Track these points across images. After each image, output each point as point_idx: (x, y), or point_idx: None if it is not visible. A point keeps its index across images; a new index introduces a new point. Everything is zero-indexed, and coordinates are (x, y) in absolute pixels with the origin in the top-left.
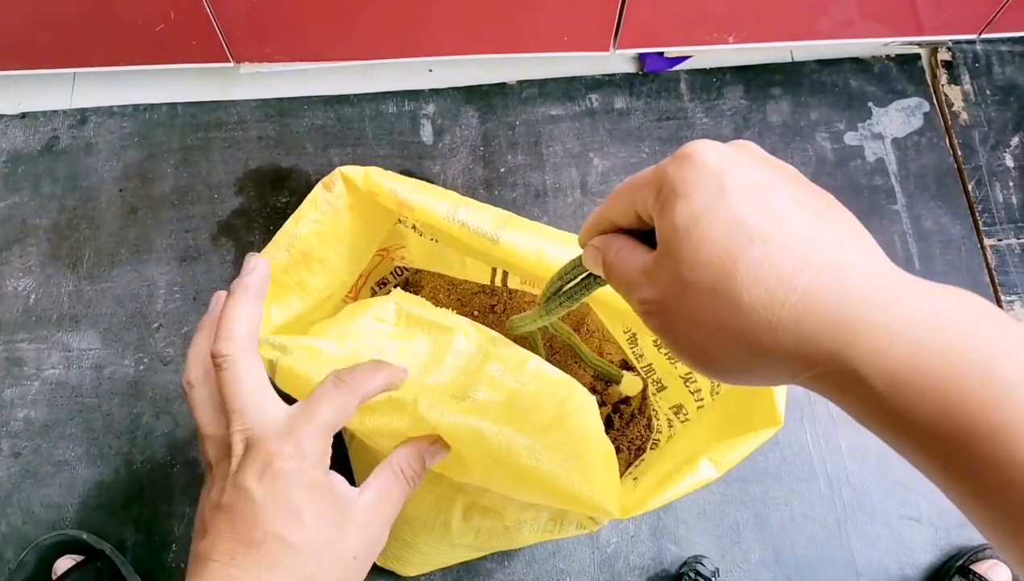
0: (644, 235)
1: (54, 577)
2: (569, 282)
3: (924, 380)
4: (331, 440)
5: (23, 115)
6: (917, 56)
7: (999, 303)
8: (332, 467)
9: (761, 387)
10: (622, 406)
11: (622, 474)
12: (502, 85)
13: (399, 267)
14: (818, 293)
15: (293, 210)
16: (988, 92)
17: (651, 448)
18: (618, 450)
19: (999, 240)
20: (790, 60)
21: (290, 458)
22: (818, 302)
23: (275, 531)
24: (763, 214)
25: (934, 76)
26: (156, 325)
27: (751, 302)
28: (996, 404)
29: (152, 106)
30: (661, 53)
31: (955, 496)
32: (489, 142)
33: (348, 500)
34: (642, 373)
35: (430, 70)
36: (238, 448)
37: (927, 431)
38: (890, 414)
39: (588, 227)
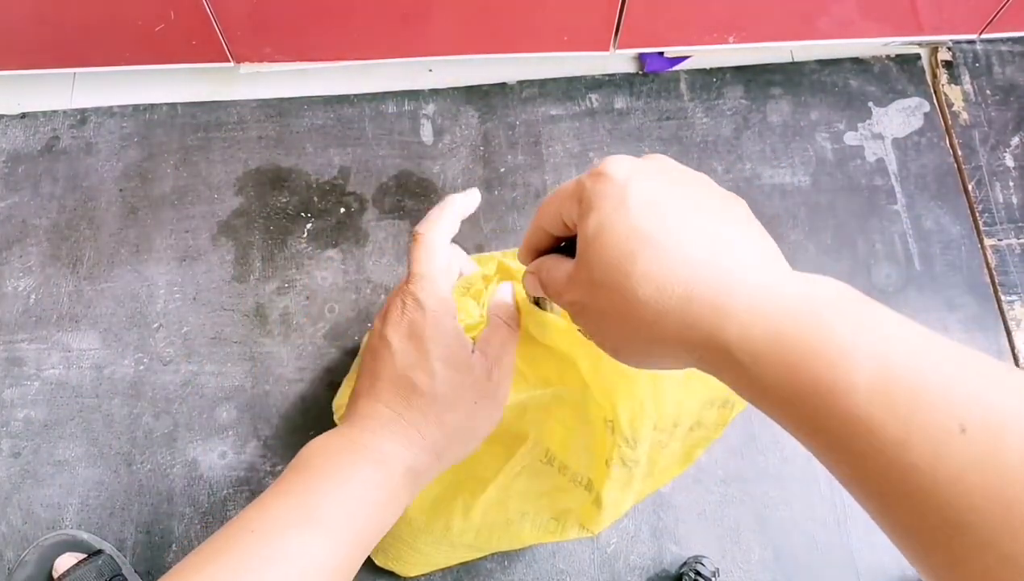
0: (571, 245)
1: (55, 575)
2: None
3: (778, 351)
4: (450, 291)
5: (23, 115)
6: (917, 56)
7: (999, 303)
8: None
9: None
10: None
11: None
12: (502, 85)
13: None
14: (697, 286)
15: (293, 210)
16: (988, 92)
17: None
18: None
19: (999, 240)
20: (790, 60)
21: (414, 310)
22: (698, 293)
23: (410, 378)
24: (656, 222)
25: (934, 76)
26: (156, 325)
27: (644, 298)
28: (833, 365)
29: (152, 106)
30: (661, 53)
31: (814, 452)
32: (489, 142)
33: (470, 349)
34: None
35: (430, 70)
36: (400, 303)
37: (783, 395)
38: (755, 383)
39: (526, 241)
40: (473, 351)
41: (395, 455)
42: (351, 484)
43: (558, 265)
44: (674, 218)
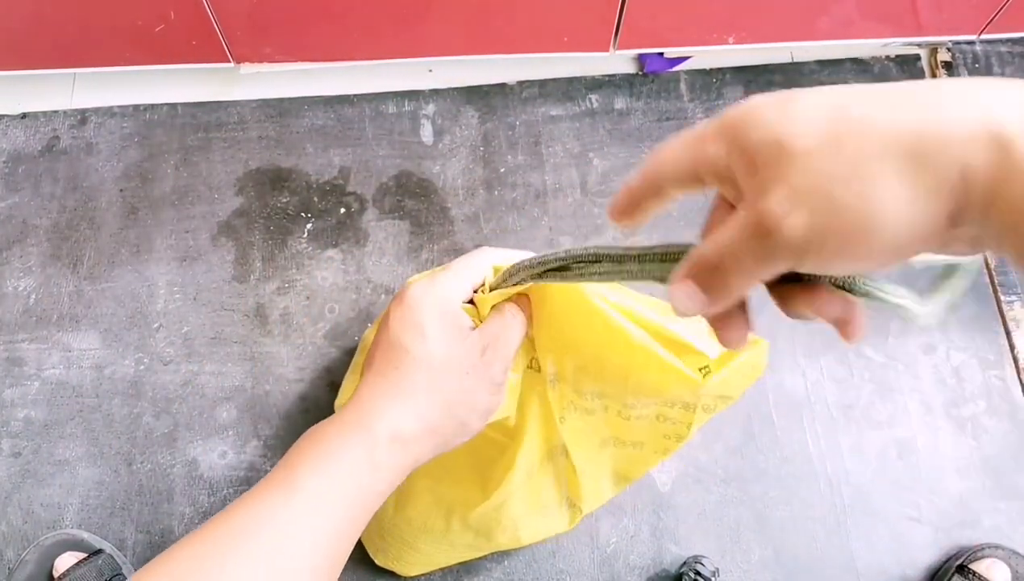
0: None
1: (55, 575)
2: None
3: None
4: (467, 287)
5: (23, 115)
6: (917, 56)
7: (999, 303)
8: None
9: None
10: None
11: None
12: (502, 85)
13: None
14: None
15: (293, 210)
16: None
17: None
18: None
19: None
20: (790, 60)
21: (420, 289)
22: (956, 94)
23: (400, 338)
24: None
25: (934, 76)
26: (156, 325)
27: (904, 117)
28: None
29: (152, 106)
30: (661, 53)
31: None
32: (489, 142)
33: (467, 326)
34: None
35: (430, 70)
36: (409, 286)
37: None
38: None
39: (634, 191)
40: (472, 331)
41: (379, 420)
42: (331, 452)
43: (729, 225)
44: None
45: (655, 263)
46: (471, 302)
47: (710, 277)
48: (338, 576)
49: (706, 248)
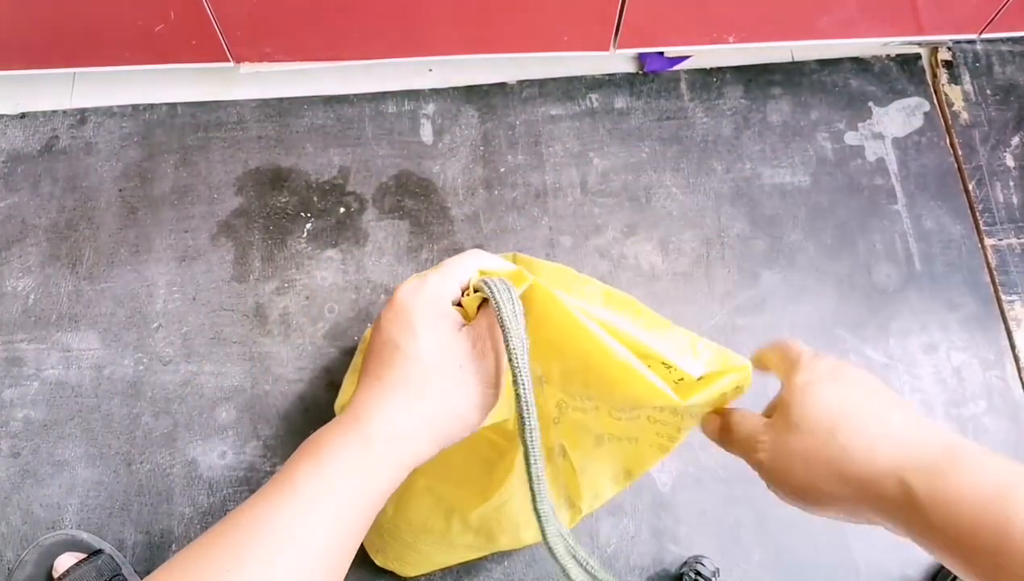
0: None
1: (55, 575)
2: None
3: (948, 500)
4: (455, 287)
5: (23, 115)
6: (917, 56)
7: (999, 303)
8: None
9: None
10: None
11: None
12: (502, 85)
13: None
14: (891, 441)
15: (293, 210)
16: (988, 92)
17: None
18: None
19: (999, 240)
20: (790, 60)
21: (409, 290)
22: (892, 445)
23: (392, 337)
24: (856, 393)
25: (934, 76)
26: (156, 325)
27: (844, 441)
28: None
29: (152, 106)
30: (661, 53)
31: (974, 574)
32: (489, 142)
33: (458, 323)
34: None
35: (430, 70)
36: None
37: (960, 538)
38: (928, 524)
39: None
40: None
41: (374, 419)
42: (328, 454)
43: (752, 416)
44: (871, 394)
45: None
46: (459, 304)
47: (724, 433)
48: (343, 577)
49: (736, 419)
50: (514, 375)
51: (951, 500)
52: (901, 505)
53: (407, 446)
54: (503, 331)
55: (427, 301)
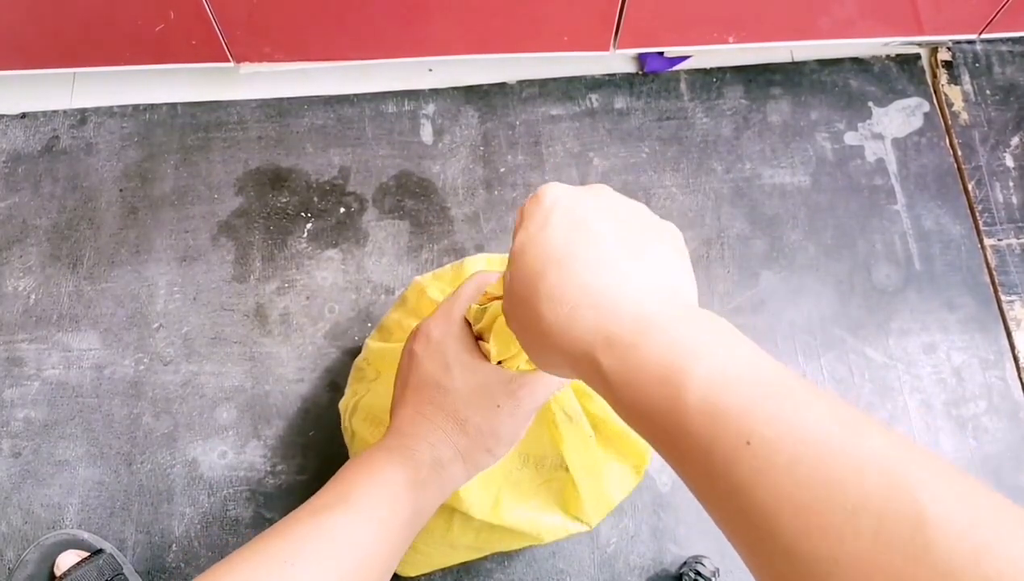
0: None
1: (57, 573)
2: None
3: (633, 372)
4: (464, 318)
5: (23, 115)
6: (917, 56)
7: (999, 303)
8: (331, 470)
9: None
10: None
11: None
12: (502, 85)
13: None
14: (582, 307)
15: (293, 210)
16: (988, 92)
17: None
18: None
19: (999, 240)
20: (790, 60)
21: (441, 329)
22: (581, 314)
23: (432, 375)
24: (566, 247)
25: (934, 76)
26: (156, 325)
27: (542, 312)
28: (673, 386)
29: (152, 106)
30: (661, 53)
31: (664, 457)
32: (489, 142)
33: (485, 363)
34: None
35: (430, 70)
36: (425, 326)
37: (638, 412)
38: (619, 400)
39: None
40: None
41: (420, 447)
42: (377, 472)
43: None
44: (582, 245)
45: None
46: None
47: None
48: None
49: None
50: None
51: (631, 381)
52: (598, 383)
53: (447, 472)
54: None
55: (459, 341)
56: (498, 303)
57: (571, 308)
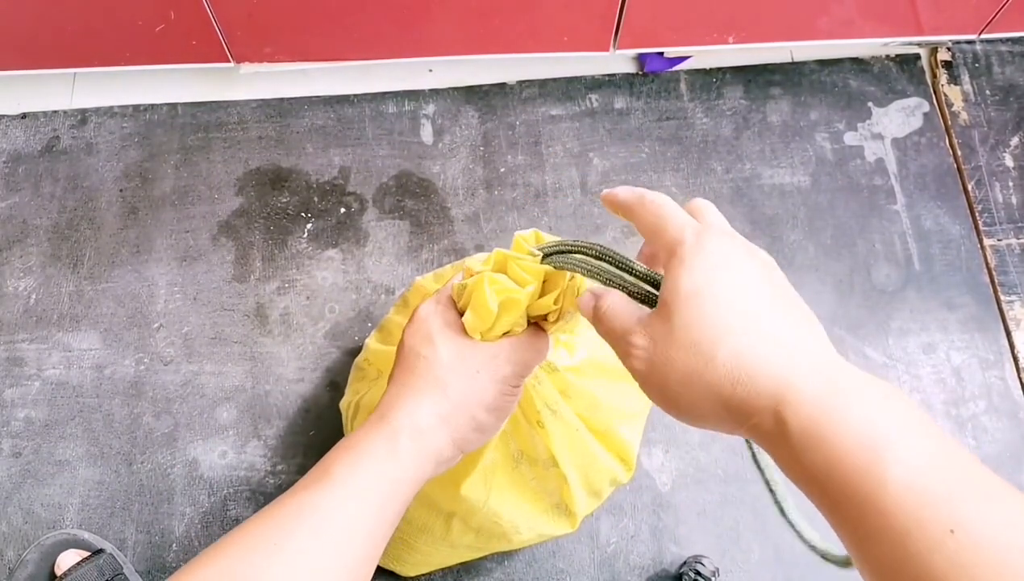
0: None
1: (57, 573)
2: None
3: (826, 437)
4: (450, 297)
5: (23, 115)
6: (917, 56)
7: (999, 303)
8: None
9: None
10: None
11: None
12: (502, 85)
13: None
14: (772, 366)
15: (293, 210)
16: (988, 92)
17: None
18: None
19: (999, 240)
20: (790, 60)
21: (427, 308)
22: (765, 373)
23: (414, 347)
24: (746, 306)
25: (934, 76)
26: (156, 325)
27: (725, 368)
28: (871, 463)
29: (152, 106)
30: (661, 53)
31: (832, 523)
32: (489, 142)
33: (472, 339)
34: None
35: (430, 70)
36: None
37: (819, 475)
38: (798, 460)
39: (616, 205)
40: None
41: (398, 415)
42: (354, 446)
43: (627, 306)
44: (761, 307)
45: (636, 278)
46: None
47: (597, 321)
48: (378, 557)
49: (604, 306)
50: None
51: (820, 446)
52: (775, 439)
53: (428, 440)
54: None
55: (443, 317)
56: (477, 278)
57: (762, 363)
